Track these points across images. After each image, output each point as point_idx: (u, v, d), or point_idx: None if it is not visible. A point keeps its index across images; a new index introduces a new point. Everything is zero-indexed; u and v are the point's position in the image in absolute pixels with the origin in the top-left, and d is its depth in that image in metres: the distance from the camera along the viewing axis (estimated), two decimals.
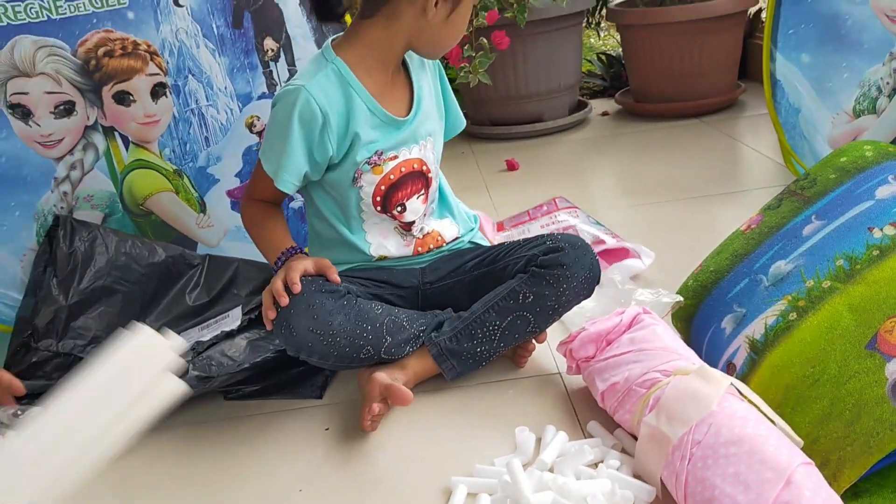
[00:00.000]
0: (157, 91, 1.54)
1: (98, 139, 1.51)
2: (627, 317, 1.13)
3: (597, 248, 1.44)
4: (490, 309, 1.18)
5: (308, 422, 1.19)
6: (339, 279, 1.17)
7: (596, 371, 1.09)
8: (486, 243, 1.36)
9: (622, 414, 1.02)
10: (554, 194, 1.81)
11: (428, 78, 1.28)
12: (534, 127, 2.57)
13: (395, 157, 1.23)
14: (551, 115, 2.60)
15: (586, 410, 1.11)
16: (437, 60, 1.31)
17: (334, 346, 1.13)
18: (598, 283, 1.20)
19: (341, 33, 1.23)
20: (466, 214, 1.39)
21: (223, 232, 1.67)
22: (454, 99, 1.35)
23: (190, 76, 1.56)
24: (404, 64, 1.26)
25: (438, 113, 1.31)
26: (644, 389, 0.99)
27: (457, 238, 1.33)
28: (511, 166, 2.27)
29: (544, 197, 1.79)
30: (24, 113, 1.43)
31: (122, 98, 1.51)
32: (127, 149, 1.54)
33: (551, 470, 0.97)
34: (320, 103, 1.15)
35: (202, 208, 1.64)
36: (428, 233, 1.30)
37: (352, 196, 1.23)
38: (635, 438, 0.99)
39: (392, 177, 1.23)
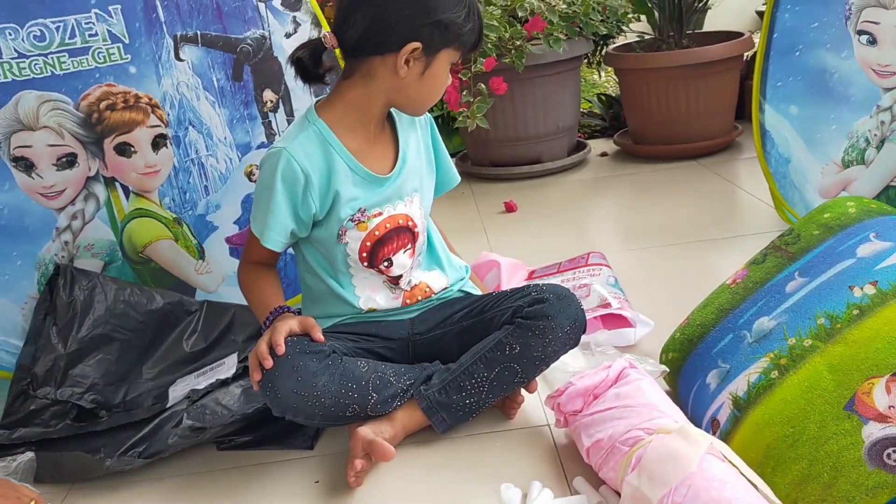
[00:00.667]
0: (158, 142, 1.57)
1: (99, 189, 1.54)
2: (614, 371, 1.14)
3: (599, 312, 1.45)
4: (478, 361, 1.20)
5: (298, 474, 1.20)
6: (322, 338, 1.18)
7: (582, 426, 1.10)
8: (477, 292, 1.38)
9: (606, 471, 1.04)
10: (552, 234, 1.83)
11: (417, 134, 1.31)
12: (532, 168, 2.60)
13: (380, 214, 1.25)
14: (550, 156, 2.63)
15: (573, 465, 1.12)
16: (429, 115, 1.33)
17: (319, 406, 1.15)
18: (583, 331, 1.22)
19: (325, 95, 1.26)
20: (457, 264, 1.40)
21: (221, 278, 1.70)
22: (447, 155, 1.37)
23: (190, 127, 1.59)
24: (391, 121, 1.28)
25: (428, 168, 1.33)
26: (627, 447, 1.01)
27: (445, 288, 1.35)
28: (509, 208, 2.30)
29: (543, 236, 1.81)
30: (27, 165, 1.47)
31: (124, 149, 1.54)
32: (127, 198, 1.58)
33: None
34: (301, 164, 1.18)
35: (201, 255, 1.67)
36: (416, 285, 1.32)
37: (338, 252, 1.26)
38: (619, 496, 1.00)
39: (377, 233, 1.25)
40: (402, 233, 1.27)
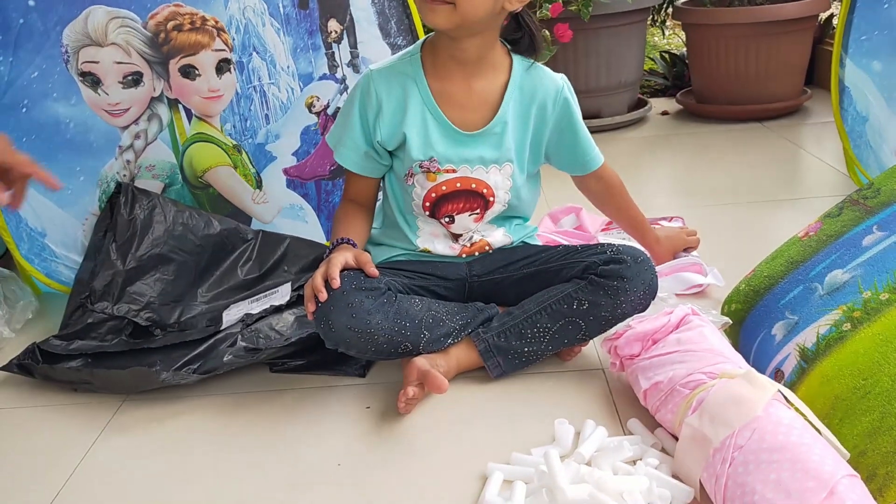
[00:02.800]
0: (222, 67, 1.56)
1: (163, 111, 1.55)
2: (675, 317, 1.12)
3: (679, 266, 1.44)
4: (542, 310, 1.18)
5: (350, 399, 1.21)
6: (376, 272, 1.16)
7: (640, 369, 1.08)
8: (537, 244, 1.36)
9: (664, 413, 1.02)
10: None
11: (537, 107, 1.23)
12: (591, 122, 2.53)
13: (453, 171, 1.21)
14: (610, 111, 2.58)
15: (627, 408, 1.10)
16: (569, 95, 1.25)
17: (372, 343, 1.14)
18: (654, 298, 1.19)
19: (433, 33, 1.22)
20: (528, 228, 1.36)
21: (277, 209, 1.70)
22: (582, 139, 1.29)
23: (254, 53, 1.58)
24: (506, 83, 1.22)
25: (538, 146, 1.26)
26: (688, 390, 0.98)
27: (508, 242, 1.32)
28: None
29: None
30: (93, 81, 1.47)
31: (188, 72, 1.54)
32: (189, 122, 1.58)
33: (588, 464, 0.97)
34: (378, 90, 1.19)
35: (258, 184, 1.67)
36: (476, 242, 1.29)
37: (407, 191, 1.25)
38: (676, 439, 0.98)
39: (444, 188, 1.22)
40: (473, 197, 1.24)
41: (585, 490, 0.88)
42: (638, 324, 1.13)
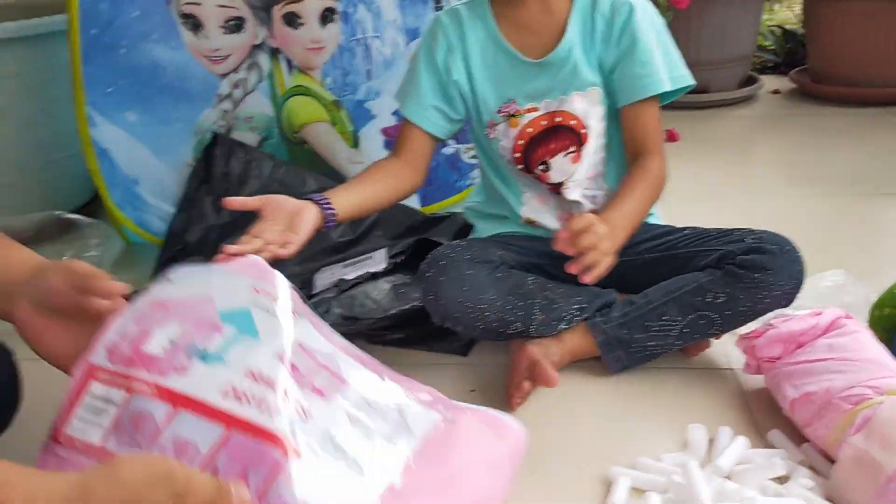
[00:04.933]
0: (326, 16, 1.48)
1: (263, 60, 1.47)
2: (825, 319, 1.00)
3: None
4: (671, 301, 1.06)
5: (453, 379, 1.12)
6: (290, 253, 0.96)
7: (784, 375, 0.97)
8: (661, 223, 1.24)
9: (816, 428, 0.90)
10: (715, 171, 1.66)
11: (604, 21, 1.10)
12: (698, 97, 2.39)
13: (535, 109, 1.11)
14: (718, 86, 2.42)
15: (765, 416, 0.99)
16: (633, 2, 1.10)
17: (482, 319, 1.05)
18: (799, 292, 1.05)
19: None
20: None
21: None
22: (652, 50, 1.09)
23: (360, 4, 1.49)
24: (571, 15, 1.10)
25: (618, 61, 1.10)
26: (849, 405, 0.87)
27: None
28: (671, 136, 2.12)
29: (704, 172, 1.66)
30: (194, 24, 1.40)
31: (292, 20, 1.46)
32: (290, 73, 1.50)
33: (728, 478, 0.87)
34: (446, 30, 1.12)
35: (355, 143, 1.59)
36: (584, 211, 1.16)
37: (493, 150, 1.15)
38: (828, 457, 0.87)
39: (530, 129, 1.12)
40: (563, 133, 1.12)
41: None
42: (781, 323, 1.01)
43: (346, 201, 1.04)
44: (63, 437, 0.70)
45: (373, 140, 1.60)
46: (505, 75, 1.12)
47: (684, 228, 1.16)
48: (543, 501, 0.88)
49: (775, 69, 2.83)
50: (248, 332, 0.74)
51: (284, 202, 0.97)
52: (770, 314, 1.05)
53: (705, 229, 1.14)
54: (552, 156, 1.13)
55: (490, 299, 1.05)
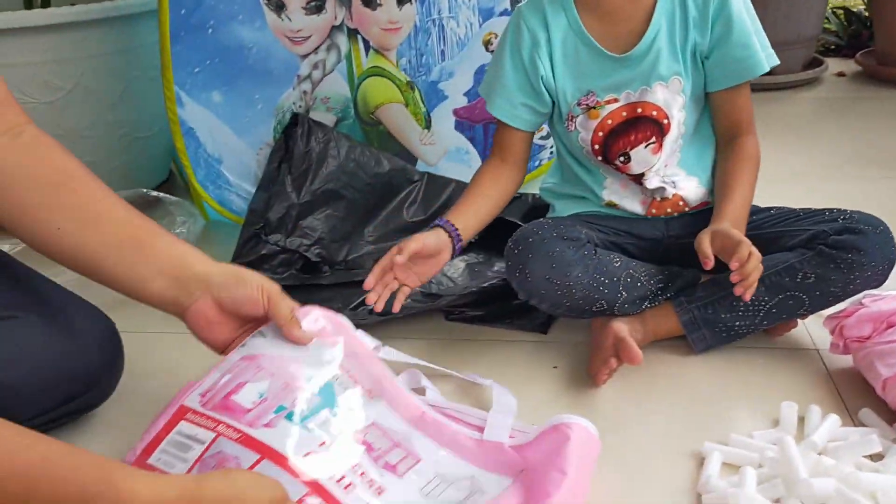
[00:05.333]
0: None
1: (342, 41, 1.49)
2: None
3: None
4: (759, 282, 1.05)
5: (534, 357, 1.14)
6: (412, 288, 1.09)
7: (876, 354, 0.97)
8: None
9: None
10: (781, 154, 1.63)
11: (690, 9, 1.08)
12: (763, 79, 2.34)
13: (615, 101, 1.10)
14: (782, 68, 2.34)
15: (854, 395, 0.99)
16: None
17: (568, 297, 1.06)
18: (891, 272, 1.05)
19: None
20: None
21: (443, 151, 1.64)
22: (747, 34, 1.08)
23: None
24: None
25: (694, 56, 1.10)
26: None
27: (705, 204, 1.16)
28: None
29: (770, 154, 1.60)
30: (278, 5, 1.43)
31: (370, 1, 1.48)
32: (367, 54, 1.52)
33: (822, 455, 0.87)
34: (529, 23, 1.10)
35: (427, 124, 1.61)
36: (668, 198, 1.16)
37: (573, 143, 1.15)
38: None
39: (610, 121, 1.11)
40: (644, 124, 1.11)
41: (831, 484, 0.79)
42: (872, 302, 1.01)
43: (469, 225, 1.11)
44: (145, 466, 0.76)
45: (444, 121, 1.62)
46: (585, 67, 1.11)
47: (769, 208, 1.16)
48: (637, 477, 0.89)
49: (838, 51, 2.78)
50: (329, 405, 0.80)
51: (425, 248, 1.05)
52: (858, 295, 1.05)
53: (791, 209, 1.14)
54: (633, 147, 1.13)
55: (577, 277, 1.06)
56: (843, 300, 1.05)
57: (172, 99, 1.37)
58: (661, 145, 1.13)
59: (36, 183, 0.84)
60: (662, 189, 1.16)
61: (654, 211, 1.17)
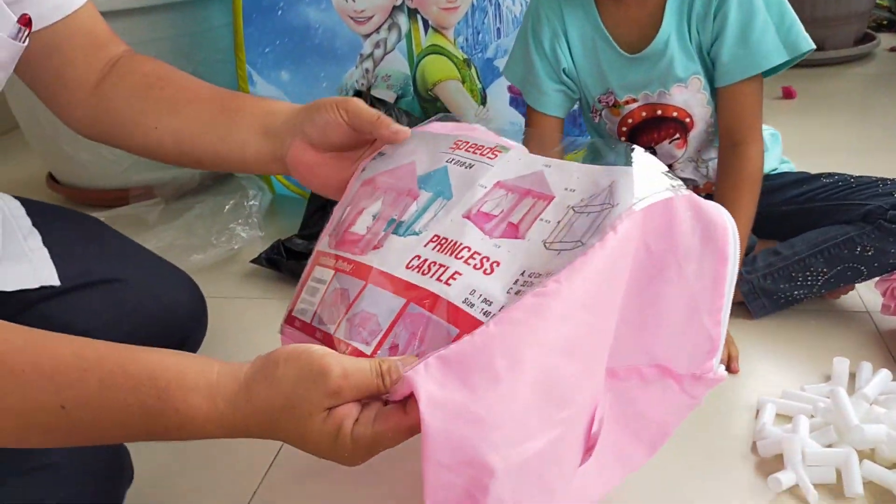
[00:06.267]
0: None
1: (402, 20, 1.55)
2: None
3: None
4: (818, 254, 1.09)
5: None
6: None
7: None
8: (792, 168, 1.26)
9: None
10: (833, 129, 1.62)
11: (697, 10, 1.05)
12: (814, 55, 2.34)
13: (633, 101, 1.11)
14: (834, 43, 2.38)
15: None
16: None
17: None
18: None
19: None
20: (773, 156, 1.21)
21: (498, 127, 1.68)
22: (764, 26, 1.02)
23: None
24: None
25: (724, 46, 1.05)
26: None
27: None
28: (788, 94, 2.11)
29: (822, 130, 1.62)
30: None
31: None
32: (426, 33, 1.57)
33: (871, 405, 0.91)
34: (548, 13, 1.11)
35: (483, 100, 1.65)
36: (699, 186, 1.20)
37: (602, 128, 1.18)
38: None
39: (630, 120, 1.13)
40: (666, 123, 1.13)
41: (882, 430, 0.83)
42: None
43: None
44: (290, 318, 0.74)
45: (499, 97, 1.66)
46: (604, 65, 1.11)
47: (820, 176, 1.18)
48: (694, 428, 0.93)
49: (891, 27, 2.76)
50: (443, 195, 0.70)
51: None
52: None
53: (842, 177, 1.16)
54: (656, 143, 1.15)
55: None
56: None
57: (245, 78, 1.45)
58: (685, 140, 1.15)
59: (129, 93, 0.85)
60: (693, 180, 1.19)
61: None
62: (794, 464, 0.82)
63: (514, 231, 0.65)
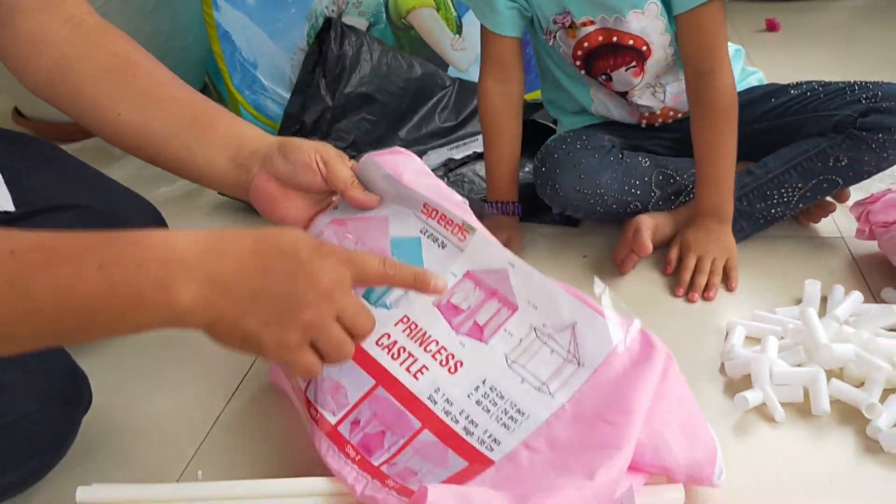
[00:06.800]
0: None
1: None
2: None
3: None
4: (791, 169, 1.08)
5: (564, 246, 1.17)
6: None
7: None
8: (761, 79, 1.22)
9: None
10: (818, 61, 1.58)
11: None
12: None
13: (591, 23, 1.06)
14: None
15: (878, 278, 1.02)
16: None
17: (601, 203, 1.10)
18: None
19: None
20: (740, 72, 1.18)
21: (474, 57, 1.64)
22: None
23: None
24: None
25: None
26: None
27: None
28: (772, 26, 2.08)
29: (806, 63, 1.59)
30: None
31: None
32: None
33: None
34: None
35: (458, 29, 1.61)
36: (656, 113, 1.17)
37: (555, 53, 1.13)
38: None
39: (587, 45, 1.08)
40: (622, 51, 1.08)
41: (851, 349, 0.83)
42: None
43: (515, 187, 1.17)
44: None
45: (475, 26, 1.61)
46: None
47: (787, 87, 1.14)
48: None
49: None
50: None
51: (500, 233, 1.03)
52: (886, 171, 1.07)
53: (812, 89, 1.12)
54: (612, 70, 1.11)
55: (606, 183, 1.08)
56: (874, 175, 1.07)
57: (209, 2, 1.39)
58: (642, 69, 1.10)
59: (97, 70, 0.82)
60: (649, 107, 1.16)
61: (644, 123, 1.18)
62: (761, 383, 0.81)
63: (478, 332, 0.69)
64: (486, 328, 0.69)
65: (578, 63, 1.11)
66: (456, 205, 0.72)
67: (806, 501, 0.69)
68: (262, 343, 0.58)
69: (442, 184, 0.74)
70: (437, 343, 0.68)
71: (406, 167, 0.73)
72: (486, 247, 0.70)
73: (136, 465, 0.80)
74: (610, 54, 1.09)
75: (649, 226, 1.09)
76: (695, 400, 0.70)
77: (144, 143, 0.81)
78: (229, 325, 0.56)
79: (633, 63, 1.10)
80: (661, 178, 1.12)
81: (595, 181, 1.08)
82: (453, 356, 0.68)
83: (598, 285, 0.72)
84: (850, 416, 0.79)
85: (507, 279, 0.69)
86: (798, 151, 1.08)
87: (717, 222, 1.06)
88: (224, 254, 0.56)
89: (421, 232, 0.72)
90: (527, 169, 1.36)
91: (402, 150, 0.76)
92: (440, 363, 0.68)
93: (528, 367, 0.67)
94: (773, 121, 1.14)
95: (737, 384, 0.85)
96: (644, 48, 1.08)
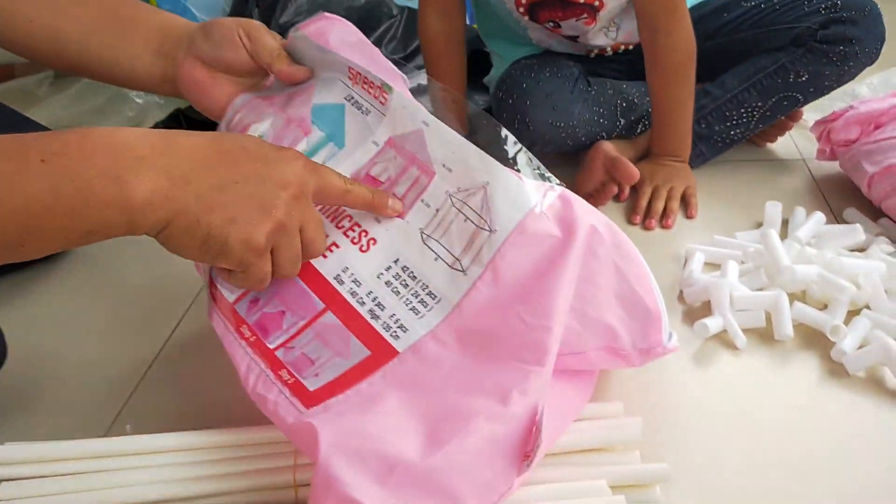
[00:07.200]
0: None
1: None
2: None
3: None
4: (750, 87, 1.03)
5: None
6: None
7: (863, 153, 0.95)
8: None
9: (894, 201, 0.90)
10: None
11: None
12: None
13: None
14: None
15: (840, 199, 0.99)
16: None
17: (572, 136, 1.03)
18: (882, 48, 1.00)
19: None
20: None
21: None
22: None
23: None
24: None
25: None
26: None
27: None
28: None
29: None
30: None
31: None
32: None
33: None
34: None
35: None
36: (606, 49, 1.11)
37: (496, 1, 1.05)
38: None
39: None
40: (571, 7, 1.01)
41: (814, 270, 0.79)
42: (861, 104, 0.99)
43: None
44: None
45: None
46: None
47: (743, 2, 1.07)
48: None
49: None
50: (335, 139, 0.65)
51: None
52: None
53: (772, 2, 1.04)
54: (562, 20, 1.04)
55: (579, 114, 1.02)
56: (836, 88, 1.03)
57: None
58: (594, 19, 1.04)
59: None
60: (600, 45, 1.10)
61: (593, 55, 1.12)
62: (721, 308, 0.78)
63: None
64: (405, 200, 0.62)
65: (522, 10, 1.04)
66: (387, 72, 0.65)
67: (770, 429, 0.66)
68: (228, 242, 0.52)
69: (377, 51, 0.67)
70: (351, 219, 0.62)
71: (333, 31, 0.66)
72: (403, 106, 0.63)
73: (59, 421, 0.74)
74: (558, 7, 1.02)
75: (620, 152, 1.03)
76: (639, 259, 0.65)
77: (61, 48, 0.74)
78: (191, 222, 0.51)
79: (585, 15, 1.03)
80: (625, 105, 1.07)
81: (569, 112, 1.02)
82: (367, 233, 0.62)
83: (512, 145, 0.65)
84: (814, 340, 0.76)
85: (424, 140, 0.62)
86: (756, 68, 1.03)
87: (675, 160, 1.02)
88: (180, 146, 0.51)
89: (346, 98, 0.66)
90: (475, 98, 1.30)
91: (333, 15, 0.68)
92: (352, 241, 0.62)
93: (442, 242, 0.60)
94: (728, 36, 1.08)
95: (696, 311, 0.82)
96: (597, 3, 1.01)
